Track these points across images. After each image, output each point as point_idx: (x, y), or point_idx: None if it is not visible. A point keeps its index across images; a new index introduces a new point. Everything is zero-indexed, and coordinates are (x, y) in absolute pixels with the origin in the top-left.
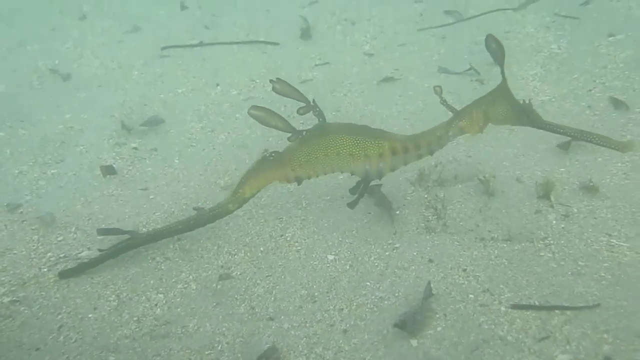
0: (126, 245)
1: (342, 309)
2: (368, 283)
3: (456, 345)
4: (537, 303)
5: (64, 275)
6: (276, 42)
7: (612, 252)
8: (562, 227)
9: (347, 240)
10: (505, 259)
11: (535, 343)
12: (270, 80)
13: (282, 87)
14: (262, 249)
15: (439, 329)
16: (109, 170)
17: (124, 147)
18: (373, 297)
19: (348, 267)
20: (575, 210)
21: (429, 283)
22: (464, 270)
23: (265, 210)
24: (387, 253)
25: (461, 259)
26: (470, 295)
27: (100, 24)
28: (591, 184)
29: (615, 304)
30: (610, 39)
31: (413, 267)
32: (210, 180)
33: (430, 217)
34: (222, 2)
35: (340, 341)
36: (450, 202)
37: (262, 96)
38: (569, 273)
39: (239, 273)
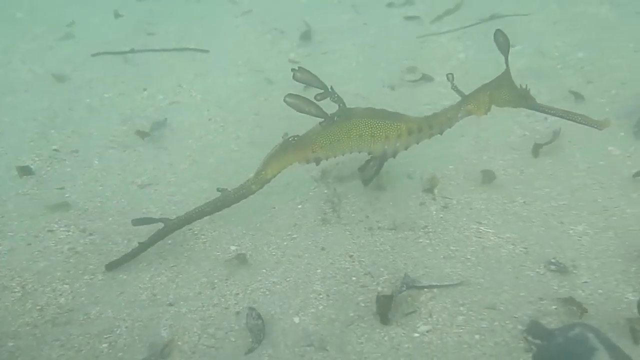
0: (163, 232)
1: (238, 294)
2: (264, 270)
3: (333, 321)
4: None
5: (110, 266)
6: (206, 50)
7: (480, 237)
8: (441, 217)
9: (250, 233)
10: (389, 246)
11: (403, 317)
12: (292, 69)
13: (303, 75)
14: (170, 241)
15: (320, 307)
16: (25, 171)
17: (44, 149)
18: (267, 282)
19: (248, 257)
20: (455, 202)
21: (405, 274)
22: (351, 256)
23: (178, 207)
24: (285, 243)
25: (349, 247)
26: (353, 278)
27: (32, 30)
28: (475, 178)
29: (475, 281)
30: (511, 49)
31: (306, 255)
32: (128, 180)
33: (327, 210)
34: (157, 11)
35: (232, 322)
36: (346, 197)
37: (187, 101)
38: (442, 256)
39: (145, 264)
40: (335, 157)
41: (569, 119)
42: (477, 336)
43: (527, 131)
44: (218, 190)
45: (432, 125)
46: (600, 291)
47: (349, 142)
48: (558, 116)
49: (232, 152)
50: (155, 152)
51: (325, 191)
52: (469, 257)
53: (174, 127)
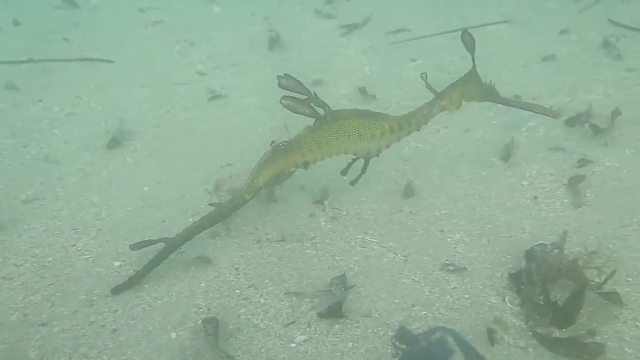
0: (166, 251)
1: (117, 310)
2: (147, 285)
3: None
4: (294, 294)
5: (116, 290)
6: (111, 60)
7: (364, 247)
8: (329, 228)
9: None
10: (276, 257)
11: (282, 328)
12: (278, 76)
13: (288, 82)
14: (50, 259)
15: (199, 322)
16: None
17: None
18: (148, 297)
19: (132, 272)
20: (345, 212)
21: (344, 274)
22: (237, 268)
23: (63, 222)
24: (172, 257)
25: (236, 259)
26: (237, 291)
27: None
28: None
29: (355, 290)
30: (412, 63)
31: (192, 269)
32: (11, 195)
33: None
34: (63, 20)
35: (107, 340)
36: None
37: (85, 112)
38: (326, 267)
39: (19, 284)
40: (322, 159)
41: (528, 110)
42: (350, 344)
43: (420, 143)
44: (210, 204)
45: (411, 122)
46: (466, 296)
47: (337, 144)
48: (518, 107)
49: (127, 164)
50: (44, 166)
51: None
52: (352, 266)
53: (67, 139)
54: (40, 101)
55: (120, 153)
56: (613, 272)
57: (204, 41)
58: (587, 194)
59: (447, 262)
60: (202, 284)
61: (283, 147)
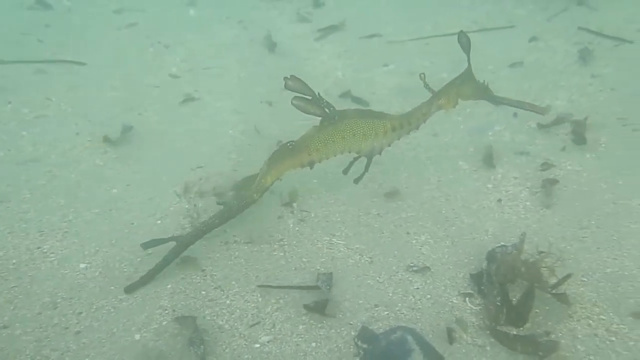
0: (178, 249)
1: (81, 313)
2: (113, 287)
3: (176, 336)
4: (259, 295)
5: (129, 289)
6: (83, 62)
7: (331, 249)
8: (297, 230)
9: (103, 250)
10: (243, 259)
11: (247, 329)
12: (284, 77)
13: (295, 84)
14: (14, 261)
15: (164, 323)
16: None
17: None
18: (114, 299)
19: (97, 274)
20: (313, 215)
21: (331, 274)
22: (203, 270)
23: (29, 224)
24: (138, 259)
25: (203, 261)
26: (203, 292)
27: None
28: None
29: (320, 291)
30: (384, 68)
31: None
32: None
33: (185, 224)
34: (35, 21)
35: (70, 342)
36: (206, 212)
37: (55, 114)
38: (293, 268)
39: None
40: (327, 159)
41: (519, 107)
42: (313, 344)
43: (389, 147)
44: (218, 203)
45: (411, 121)
46: (428, 296)
47: (342, 143)
48: (511, 105)
49: (96, 167)
50: (12, 168)
51: (186, 206)
52: (318, 267)
53: (36, 142)
54: (9, 103)
55: (90, 155)
56: (568, 276)
57: (179, 44)
58: (551, 196)
59: (411, 264)
60: (169, 286)
61: (290, 146)
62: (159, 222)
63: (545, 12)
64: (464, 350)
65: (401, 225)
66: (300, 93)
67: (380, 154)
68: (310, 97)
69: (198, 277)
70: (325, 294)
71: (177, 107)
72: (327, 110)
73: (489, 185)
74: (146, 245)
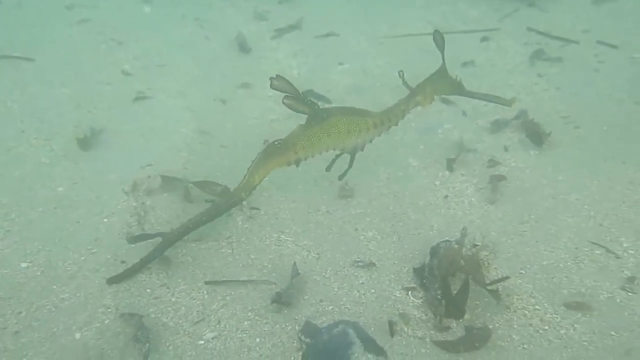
0: (164, 245)
1: (21, 312)
2: (55, 286)
3: (118, 334)
4: (206, 292)
5: (112, 281)
6: (31, 58)
7: (279, 245)
8: (246, 227)
9: (46, 249)
10: (190, 257)
11: (192, 325)
12: (270, 77)
13: (280, 84)
14: None
15: (106, 321)
16: None
17: None
18: (55, 298)
19: (39, 273)
20: (263, 212)
21: (295, 263)
22: (149, 268)
23: None
24: (82, 258)
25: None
26: (148, 290)
27: None
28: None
29: (267, 287)
30: (340, 67)
31: (103, 269)
32: None
33: (133, 223)
34: None
35: (8, 342)
36: (154, 209)
37: (1, 111)
38: (241, 265)
39: None
40: (312, 156)
41: (486, 100)
42: (258, 339)
43: None
44: (206, 201)
45: (391, 118)
46: (372, 290)
47: (327, 140)
48: (479, 99)
49: (42, 165)
50: None
51: (134, 204)
52: (266, 264)
53: None
54: None
55: (35, 153)
56: (505, 278)
57: (133, 41)
58: (495, 192)
59: (357, 259)
60: (114, 284)
61: (277, 145)
62: (105, 220)
63: (498, 13)
64: (404, 343)
65: (350, 221)
66: (285, 92)
67: (362, 150)
68: (296, 96)
69: (144, 276)
70: (289, 287)
71: (129, 104)
72: (312, 108)
73: (437, 182)
74: (133, 240)
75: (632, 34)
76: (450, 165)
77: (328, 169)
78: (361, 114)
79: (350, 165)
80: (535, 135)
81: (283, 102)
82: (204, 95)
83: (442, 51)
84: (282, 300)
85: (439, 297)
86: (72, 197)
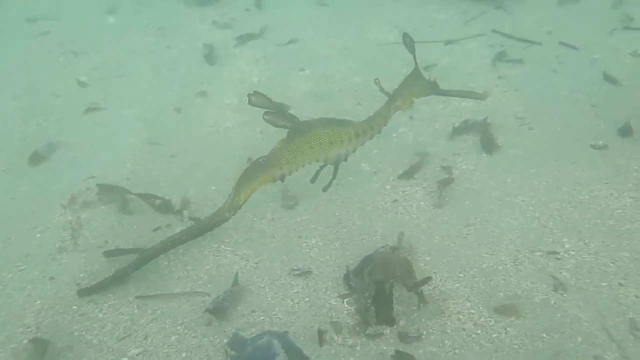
0: (139, 261)
1: None
2: None
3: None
4: (136, 307)
5: (83, 293)
6: None
7: (217, 256)
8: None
9: None
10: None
11: (116, 342)
12: (248, 94)
13: (258, 99)
14: None
15: (24, 342)
16: None
17: None
18: None
19: None
20: None
21: (237, 274)
22: (78, 284)
23: None
24: (9, 275)
25: (81, 275)
26: (74, 307)
27: None
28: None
29: (201, 299)
30: (301, 72)
31: (29, 287)
32: None
33: (66, 237)
34: None
35: None
36: (89, 223)
37: None
38: (176, 277)
39: None
40: (297, 170)
41: (462, 96)
42: (184, 354)
43: None
44: (190, 219)
45: (373, 126)
46: (307, 299)
47: (310, 153)
48: (453, 95)
49: None
50: None
51: (70, 218)
52: (202, 275)
53: None
54: None
55: None
56: (428, 279)
57: (93, 52)
58: (442, 196)
59: (295, 267)
60: (38, 302)
61: (262, 162)
62: (38, 235)
63: (465, 16)
64: (333, 352)
65: (294, 229)
66: (263, 108)
67: (346, 160)
68: (276, 111)
69: (72, 292)
70: (224, 297)
71: (79, 116)
72: (292, 122)
73: (388, 187)
74: (108, 254)
75: (595, 34)
76: (407, 175)
77: (313, 180)
78: (342, 124)
79: (334, 176)
80: (487, 141)
81: (263, 118)
82: (159, 104)
83: (413, 54)
84: (213, 310)
85: (368, 304)
86: (7, 212)
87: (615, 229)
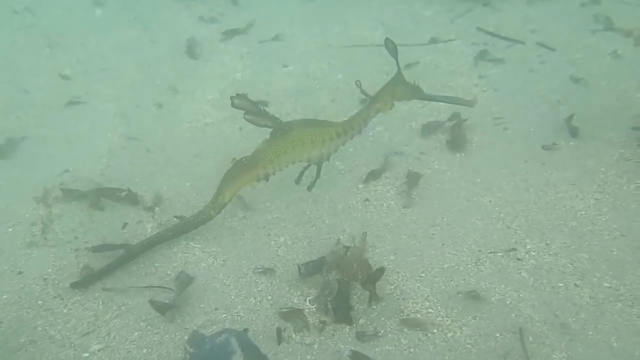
0: (126, 256)
1: None
2: None
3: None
4: (101, 302)
5: (75, 285)
6: None
7: (186, 253)
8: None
9: None
10: (94, 266)
11: (79, 337)
12: (231, 97)
13: (241, 102)
14: None
15: None
16: None
17: None
18: None
19: None
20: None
21: (182, 271)
22: (45, 279)
23: None
24: None
25: (49, 270)
26: (40, 302)
27: None
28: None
29: (166, 296)
30: (284, 69)
31: None
32: None
33: (36, 232)
34: None
35: None
36: (60, 218)
37: None
38: (144, 274)
39: None
40: (280, 170)
41: (448, 102)
42: (145, 350)
43: None
44: (176, 217)
45: (353, 126)
46: (269, 297)
47: (293, 153)
48: (440, 101)
49: None
50: None
51: (41, 212)
52: (169, 272)
53: None
54: None
55: None
56: (379, 273)
57: (79, 45)
58: (413, 196)
59: (258, 266)
60: (4, 296)
61: (245, 162)
62: (10, 230)
63: (451, 14)
64: (290, 350)
65: (264, 227)
66: (247, 110)
67: (328, 160)
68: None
69: (38, 287)
70: (175, 293)
71: (60, 110)
72: (274, 122)
73: (360, 185)
74: (96, 249)
75: (577, 33)
76: (372, 176)
77: (297, 181)
78: (323, 124)
79: (317, 176)
80: (456, 141)
81: (244, 118)
82: (140, 99)
83: (396, 58)
84: (160, 308)
85: (327, 303)
86: None
87: (577, 230)
